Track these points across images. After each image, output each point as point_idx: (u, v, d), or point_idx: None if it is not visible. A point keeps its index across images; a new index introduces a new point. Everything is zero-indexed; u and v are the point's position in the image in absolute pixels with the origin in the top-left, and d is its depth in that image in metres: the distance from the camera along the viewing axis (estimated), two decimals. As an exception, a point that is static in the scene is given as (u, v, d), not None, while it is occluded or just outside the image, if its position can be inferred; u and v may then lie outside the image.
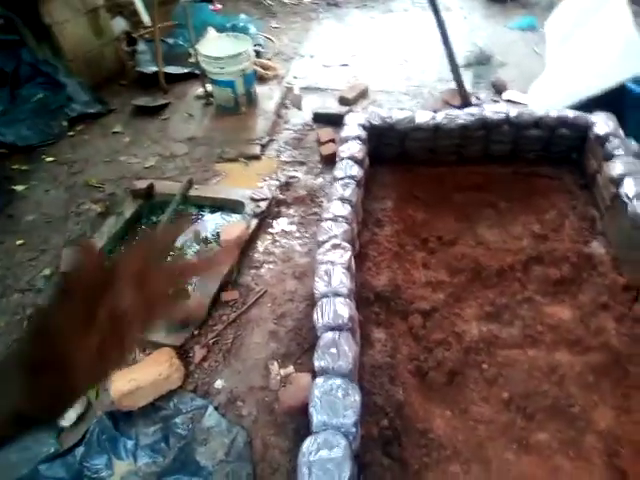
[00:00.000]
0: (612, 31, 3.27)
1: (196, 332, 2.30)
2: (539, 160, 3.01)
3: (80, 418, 2.03)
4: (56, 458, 1.93)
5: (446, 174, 3.00)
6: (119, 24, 4.57)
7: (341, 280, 2.05)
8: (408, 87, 3.98)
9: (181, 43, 4.56)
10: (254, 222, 2.78)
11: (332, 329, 1.88)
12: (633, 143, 2.57)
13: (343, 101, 3.79)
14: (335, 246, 2.22)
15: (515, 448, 1.86)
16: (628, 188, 2.34)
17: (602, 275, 2.37)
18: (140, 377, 1.97)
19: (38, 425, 0.49)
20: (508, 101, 3.68)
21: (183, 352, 2.23)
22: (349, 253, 2.20)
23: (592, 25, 3.55)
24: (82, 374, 0.47)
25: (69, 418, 2.00)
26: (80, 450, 1.94)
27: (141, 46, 4.32)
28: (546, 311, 2.29)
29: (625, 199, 2.32)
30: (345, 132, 2.86)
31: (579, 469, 1.79)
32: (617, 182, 2.43)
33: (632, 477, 1.74)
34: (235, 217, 2.93)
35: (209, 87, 3.81)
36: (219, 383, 2.12)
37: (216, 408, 2.02)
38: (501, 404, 1.99)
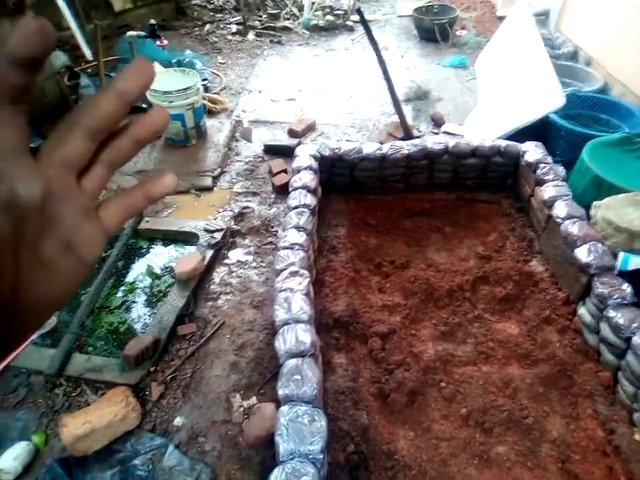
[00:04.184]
0: (533, 70, 3.61)
1: (152, 369, 2.22)
2: (478, 187, 3.22)
3: (26, 469, 1.88)
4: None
5: (395, 201, 3.14)
6: (60, 58, 4.46)
7: (301, 306, 2.07)
8: (354, 120, 4.16)
9: (126, 77, 4.52)
10: (209, 253, 2.75)
11: (295, 356, 1.88)
12: (561, 168, 2.82)
13: (292, 134, 3.89)
14: (293, 273, 2.24)
15: (477, 463, 1.92)
16: (559, 210, 2.55)
17: (543, 291, 2.54)
18: (94, 419, 1.87)
19: None
20: (446, 133, 3.93)
21: (139, 390, 2.14)
22: (307, 279, 2.23)
23: (515, 64, 3.90)
24: None
25: (14, 470, 1.84)
26: (26, 505, 1.79)
27: (84, 80, 4.23)
28: (495, 327, 2.42)
29: (557, 220, 2.52)
30: (297, 163, 2.93)
31: (537, 478, 1.87)
32: (549, 205, 2.64)
33: (584, 479, 1.84)
34: (189, 249, 2.89)
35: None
36: (179, 420, 2.04)
37: (177, 446, 1.94)
38: (460, 420, 2.05)
